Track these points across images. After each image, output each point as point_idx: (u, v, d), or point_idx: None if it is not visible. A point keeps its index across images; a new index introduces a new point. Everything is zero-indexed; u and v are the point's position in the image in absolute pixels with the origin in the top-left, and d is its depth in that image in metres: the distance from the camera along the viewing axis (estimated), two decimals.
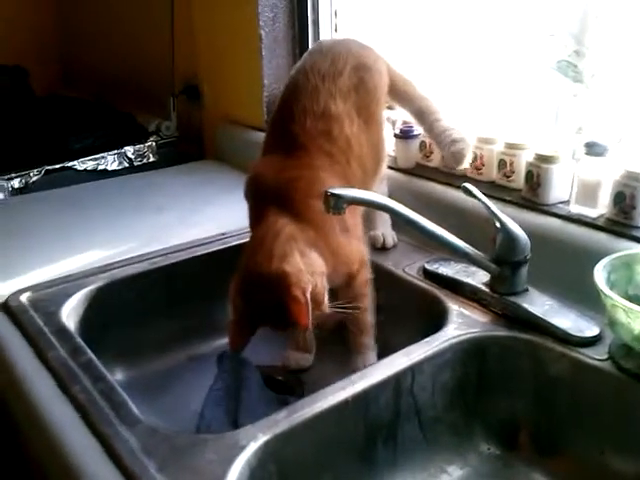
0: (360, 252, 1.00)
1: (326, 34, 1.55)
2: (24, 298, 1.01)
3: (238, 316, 0.88)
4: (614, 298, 0.77)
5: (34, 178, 1.62)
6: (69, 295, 1.02)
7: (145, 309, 1.10)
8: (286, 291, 0.82)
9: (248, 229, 1.12)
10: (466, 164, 1.15)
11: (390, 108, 1.20)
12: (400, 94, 1.16)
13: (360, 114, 1.04)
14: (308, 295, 0.82)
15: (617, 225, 0.94)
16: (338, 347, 1.04)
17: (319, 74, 1.02)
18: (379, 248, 1.17)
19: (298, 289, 0.82)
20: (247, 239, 1.15)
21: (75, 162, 1.67)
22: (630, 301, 0.77)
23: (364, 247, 1.02)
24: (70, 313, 0.99)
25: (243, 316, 0.87)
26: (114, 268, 1.10)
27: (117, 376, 1.03)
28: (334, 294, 0.93)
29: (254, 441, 0.71)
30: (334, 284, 0.94)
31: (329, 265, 0.91)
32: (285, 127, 1.00)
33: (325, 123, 0.99)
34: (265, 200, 0.94)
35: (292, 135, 0.99)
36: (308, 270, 0.86)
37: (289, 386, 1.01)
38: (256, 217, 0.96)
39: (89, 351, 0.88)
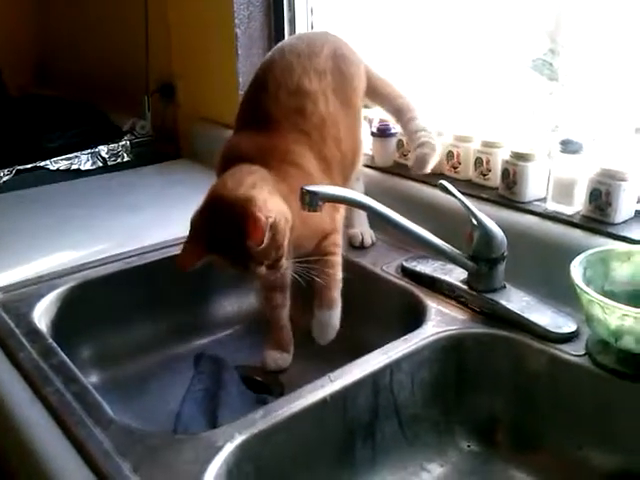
0: (333, 221, 1.00)
1: (302, 32, 1.54)
2: None
3: (194, 235, 0.87)
4: (590, 294, 0.77)
5: (5, 178, 1.58)
6: (41, 296, 1.00)
7: (120, 309, 1.08)
8: (247, 211, 0.81)
9: None
10: (429, 169, 1.08)
11: (366, 107, 1.19)
12: (378, 93, 1.15)
13: (337, 96, 1.03)
14: (269, 220, 0.81)
15: (593, 222, 0.95)
16: (316, 347, 1.03)
17: (294, 52, 1.03)
18: (357, 247, 1.16)
19: (259, 211, 0.81)
20: None
21: (47, 162, 1.64)
22: (606, 297, 0.77)
23: (339, 216, 1.02)
24: (42, 314, 0.97)
25: (200, 236, 0.86)
26: (88, 268, 1.08)
27: (92, 378, 1.01)
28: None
29: (231, 441, 0.70)
30: (304, 249, 0.94)
31: (297, 230, 0.90)
32: (258, 103, 1.00)
33: (299, 99, 0.99)
34: (239, 161, 0.93)
35: (266, 112, 0.99)
36: (273, 205, 0.85)
37: (268, 386, 1.00)
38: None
39: (61, 352, 0.86)
